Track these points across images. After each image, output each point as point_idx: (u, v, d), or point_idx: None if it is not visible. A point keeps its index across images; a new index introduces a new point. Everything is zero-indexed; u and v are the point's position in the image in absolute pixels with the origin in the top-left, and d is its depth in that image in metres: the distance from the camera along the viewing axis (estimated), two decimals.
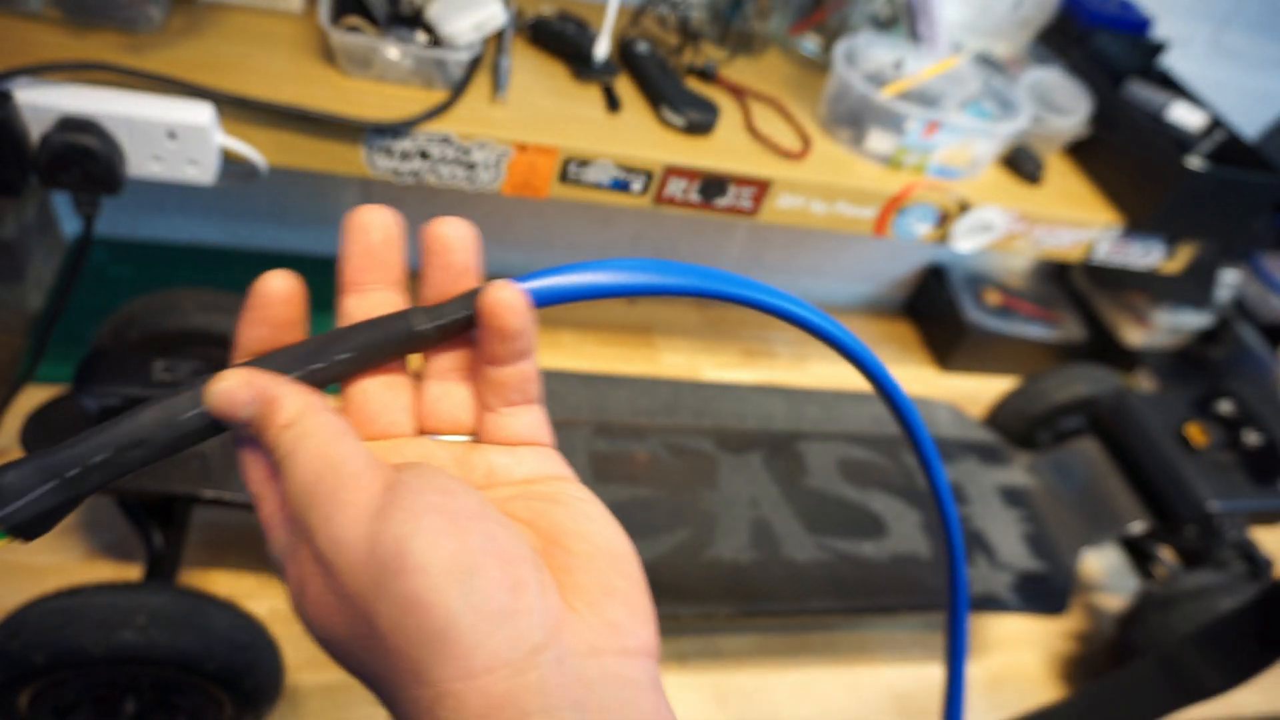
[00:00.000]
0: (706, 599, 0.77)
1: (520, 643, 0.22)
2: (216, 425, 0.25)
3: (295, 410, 0.24)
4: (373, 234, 0.27)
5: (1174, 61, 1.02)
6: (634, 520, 0.81)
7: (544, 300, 0.27)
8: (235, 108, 0.61)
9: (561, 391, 0.90)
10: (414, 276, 0.26)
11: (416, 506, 0.22)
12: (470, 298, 0.27)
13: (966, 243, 0.86)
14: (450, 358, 0.28)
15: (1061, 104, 0.92)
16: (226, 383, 0.24)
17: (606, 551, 0.25)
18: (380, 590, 0.22)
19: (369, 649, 0.22)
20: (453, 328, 0.27)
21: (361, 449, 0.24)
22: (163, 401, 0.25)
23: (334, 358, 0.26)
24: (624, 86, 0.78)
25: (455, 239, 0.27)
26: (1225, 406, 0.91)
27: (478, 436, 0.28)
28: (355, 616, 0.22)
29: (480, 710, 0.21)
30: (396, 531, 0.22)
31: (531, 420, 0.28)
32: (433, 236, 0.27)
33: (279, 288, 0.26)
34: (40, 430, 0.60)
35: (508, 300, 0.26)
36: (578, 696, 0.22)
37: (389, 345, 0.27)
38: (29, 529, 0.24)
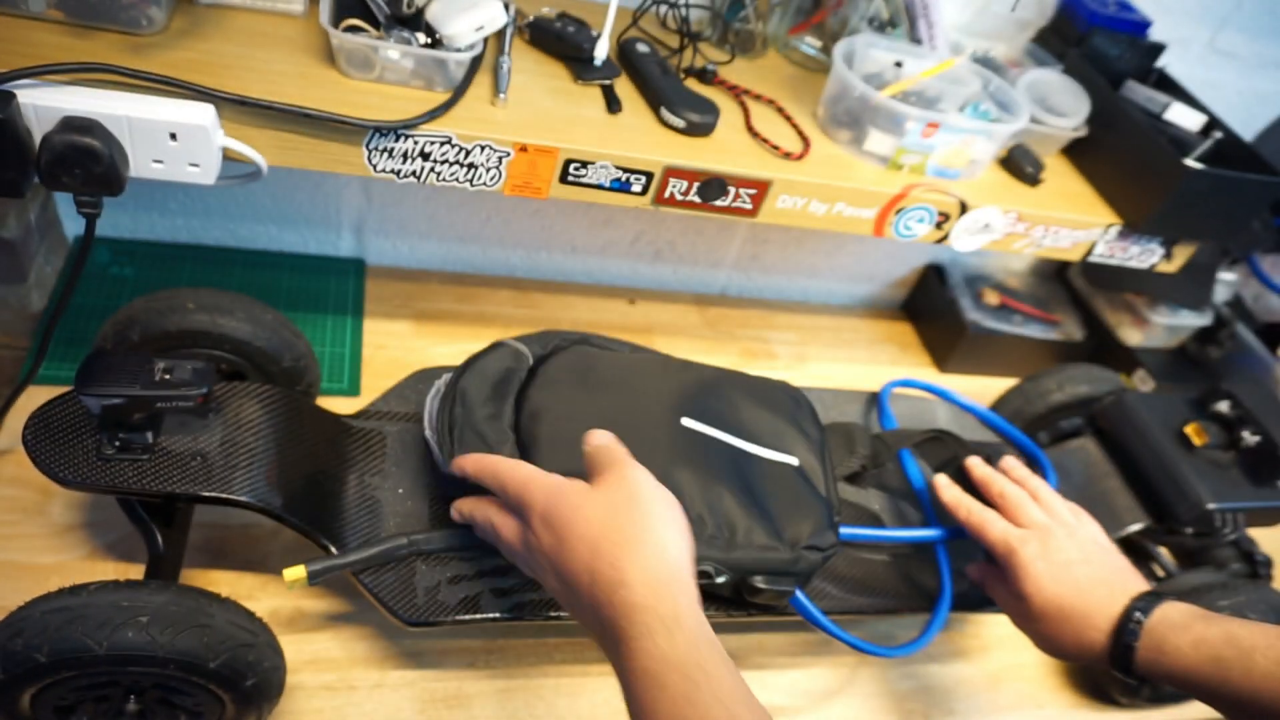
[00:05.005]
0: (705, 599, 0.77)
1: None
2: None
3: None
4: None
5: (1172, 63, 1.02)
6: None
7: None
8: (236, 108, 0.61)
9: None
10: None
11: None
12: None
13: (965, 243, 0.86)
14: None
15: (1060, 105, 0.92)
16: None
17: None
18: None
19: None
20: None
21: None
22: None
23: None
24: (624, 87, 0.78)
25: None
26: (1224, 407, 0.91)
27: None
28: None
29: None
30: None
31: None
32: None
33: None
34: (42, 431, 0.60)
35: None
36: None
37: None
38: None
